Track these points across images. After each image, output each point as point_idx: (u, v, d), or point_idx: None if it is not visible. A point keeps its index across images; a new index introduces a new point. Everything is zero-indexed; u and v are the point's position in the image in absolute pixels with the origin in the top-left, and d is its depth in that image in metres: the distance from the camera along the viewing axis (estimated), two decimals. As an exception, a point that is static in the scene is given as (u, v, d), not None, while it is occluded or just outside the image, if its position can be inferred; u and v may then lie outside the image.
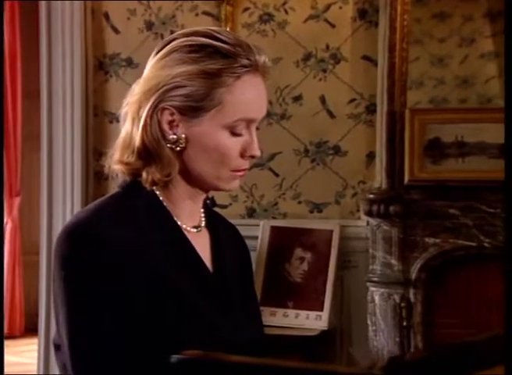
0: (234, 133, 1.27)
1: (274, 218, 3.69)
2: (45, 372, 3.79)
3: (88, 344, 1.17)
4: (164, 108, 1.26)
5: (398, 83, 3.45)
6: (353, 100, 3.67)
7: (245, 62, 1.26)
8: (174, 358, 0.83)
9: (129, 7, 3.84)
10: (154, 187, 1.29)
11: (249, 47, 1.27)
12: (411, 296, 3.27)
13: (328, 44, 3.68)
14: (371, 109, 3.65)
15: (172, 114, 1.27)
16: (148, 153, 1.27)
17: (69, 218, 3.79)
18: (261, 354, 1.32)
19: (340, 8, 3.67)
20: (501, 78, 3.50)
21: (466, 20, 3.51)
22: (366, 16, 3.66)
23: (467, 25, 3.50)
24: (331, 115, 3.66)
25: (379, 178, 3.52)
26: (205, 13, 3.78)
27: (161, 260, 1.24)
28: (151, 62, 1.31)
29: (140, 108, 1.28)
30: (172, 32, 3.81)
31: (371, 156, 3.64)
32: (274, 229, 3.51)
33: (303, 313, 3.37)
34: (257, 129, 1.33)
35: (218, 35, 1.26)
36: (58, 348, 1.24)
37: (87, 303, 1.18)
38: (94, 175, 3.86)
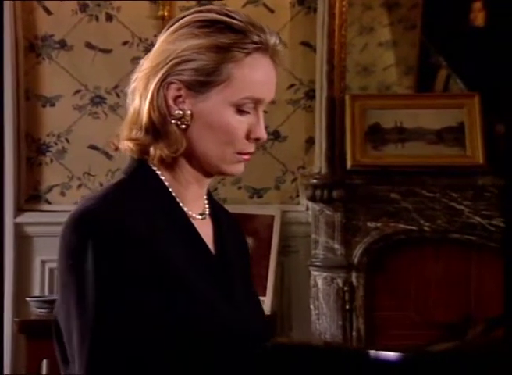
0: (240, 111, 1.25)
1: (214, 204, 3.66)
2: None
3: (98, 333, 1.14)
4: (171, 83, 1.25)
5: (337, 69, 3.48)
6: (292, 85, 3.68)
7: (256, 38, 1.24)
8: (269, 344, 0.82)
9: (62, -13, 3.73)
10: (159, 172, 1.27)
11: (261, 27, 1.26)
12: (354, 280, 3.32)
13: (267, 29, 3.67)
14: (311, 95, 3.66)
15: (178, 89, 1.25)
16: (155, 129, 1.25)
17: (-1, 205, 3.67)
18: (265, 339, 1.31)
19: (279, -7, 3.67)
20: (398, 66, 3.61)
21: (366, 9, 3.58)
22: (305, 1, 3.67)
23: (366, 13, 3.57)
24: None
25: (318, 163, 3.56)
26: (142, -5, 3.71)
27: (168, 247, 1.22)
28: (161, 38, 1.29)
29: (148, 83, 1.26)
30: (107, 14, 3.73)
31: (310, 142, 3.67)
32: (214, 214, 3.49)
33: (245, 299, 3.37)
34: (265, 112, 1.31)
35: (230, 13, 1.26)
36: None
37: (96, 291, 1.15)
38: (26, 161, 3.74)
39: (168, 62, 1.24)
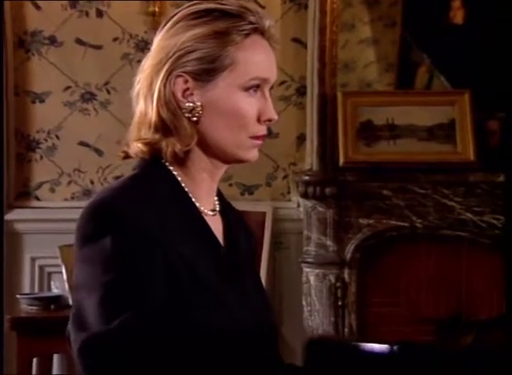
0: (249, 94, 1.26)
1: (205, 200, 3.66)
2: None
3: (105, 319, 1.13)
4: (177, 76, 1.25)
5: (329, 66, 3.49)
6: (283, 82, 3.68)
7: (252, 19, 1.26)
8: (309, 338, 0.82)
9: (51, -17, 3.71)
10: (171, 168, 1.27)
11: (255, 9, 1.28)
12: (346, 276, 3.33)
13: (259, 26, 3.66)
14: (302, 92, 3.67)
15: (185, 82, 1.25)
16: (165, 125, 1.25)
17: (-11, 202, 3.64)
18: (275, 334, 1.33)
19: (270, -11, 3.67)
20: (378, 63, 3.63)
21: (346, 6, 3.59)
22: (296, -3, 3.67)
23: (347, 11, 3.58)
24: (262, 97, 3.66)
25: (309, 160, 3.56)
26: (133, -9, 3.69)
27: (181, 241, 1.22)
28: (158, 37, 1.29)
29: (151, 83, 1.26)
30: (97, 10, 3.71)
31: (301, 138, 3.67)
32: (206, 211, 3.48)
33: (237, 295, 3.37)
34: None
35: (222, 1, 1.28)
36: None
37: (107, 280, 1.15)
38: (16, 157, 3.72)
39: (171, 56, 1.24)
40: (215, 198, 1.34)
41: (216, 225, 1.31)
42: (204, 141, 1.26)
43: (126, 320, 1.13)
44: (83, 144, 3.70)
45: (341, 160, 3.33)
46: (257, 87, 1.26)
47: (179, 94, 1.25)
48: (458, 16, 3.59)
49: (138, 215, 1.18)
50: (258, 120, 1.27)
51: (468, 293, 3.37)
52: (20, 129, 3.71)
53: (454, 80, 3.54)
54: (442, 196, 3.31)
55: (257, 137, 1.28)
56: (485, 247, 3.36)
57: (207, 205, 1.31)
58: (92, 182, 3.69)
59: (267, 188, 3.70)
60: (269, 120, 1.28)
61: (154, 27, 3.67)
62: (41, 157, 3.71)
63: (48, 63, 3.69)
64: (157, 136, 1.25)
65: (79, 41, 3.69)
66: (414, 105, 3.43)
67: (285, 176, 3.69)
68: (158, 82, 1.25)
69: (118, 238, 1.16)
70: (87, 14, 3.69)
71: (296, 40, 3.67)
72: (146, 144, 1.26)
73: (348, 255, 3.33)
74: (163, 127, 1.25)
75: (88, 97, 3.69)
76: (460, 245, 3.37)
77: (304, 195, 3.34)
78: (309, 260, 3.36)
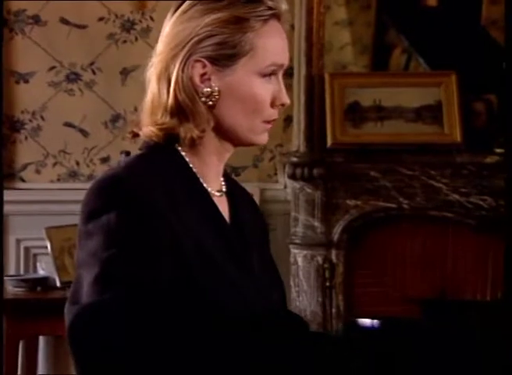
0: (265, 79, 1.27)
1: (191, 182, 3.65)
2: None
3: (112, 298, 1.13)
4: (195, 61, 1.25)
5: (316, 47, 3.48)
6: (270, 63, 3.66)
7: (270, 3, 1.27)
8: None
9: (34, -39, 3.66)
10: (180, 148, 1.27)
11: None
12: (333, 257, 3.35)
13: (245, 6, 3.64)
14: (289, 73, 3.65)
15: (204, 66, 1.26)
16: (182, 110, 1.26)
17: (-27, 183, 3.61)
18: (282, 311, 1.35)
19: (257, -30, 3.64)
20: (354, 46, 3.64)
21: None
22: (283, -22, 3.65)
23: None
24: (249, 78, 3.64)
25: (297, 141, 3.56)
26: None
27: (188, 220, 1.23)
28: (170, 21, 1.29)
29: (167, 66, 1.26)
30: (82, -11, 3.67)
31: (288, 120, 3.67)
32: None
33: (225, 277, 3.37)
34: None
35: None
36: None
37: (108, 255, 1.14)
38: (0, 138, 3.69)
39: (190, 40, 1.25)
40: (221, 179, 1.36)
41: (223, 205, 1.33)
42: (219, 125, 1.27)
43: (118, 294, 1.12)
44: (68, 124, 3.67)
45: (328, 141, 3.34)
46: (273, 72, 1.28)
47: (196, 79, 1.26)
48: (431, -2, 3.62)
49: (144, 191, 1.19)
50: (271, 105, 1.29)
51: (454, 273, 3.41)
52: (4, 109, 3.67)
53: (433, 62, 3.56)
54: (429, 177, 3.33)
55: (268, 121, 1.30)
56: (471, 228, 3.39)
57: (214, 186, 1.32)
58: (78, 163, 3.67)
59: (254, 170, 3.69)
60: (282, 105, 1.30)
61: (140, 8, 3.65)
62: (26, 138, 3.68)
63: (31, 43, 3.65)
64: (172, 121, 1.26)
65: (63, 21, 3.65)
66: (401, 86, 3.44)
67: (272, 158, 3.69)
68: (176, 66, 1.25)
69: (123, 214, 1.16)
70: (72, -7, 3.65)
71: (283, 21, 3.65)
72: (161, 129, 1.26)
73: (335, 236, 3.34)
74: (179, 112, 1.26)
75: (73, 77, 3.65)
76: (447, 226, 3.40)
77: (292, 177, 3.34)
78: (297, 241, 3.37)
